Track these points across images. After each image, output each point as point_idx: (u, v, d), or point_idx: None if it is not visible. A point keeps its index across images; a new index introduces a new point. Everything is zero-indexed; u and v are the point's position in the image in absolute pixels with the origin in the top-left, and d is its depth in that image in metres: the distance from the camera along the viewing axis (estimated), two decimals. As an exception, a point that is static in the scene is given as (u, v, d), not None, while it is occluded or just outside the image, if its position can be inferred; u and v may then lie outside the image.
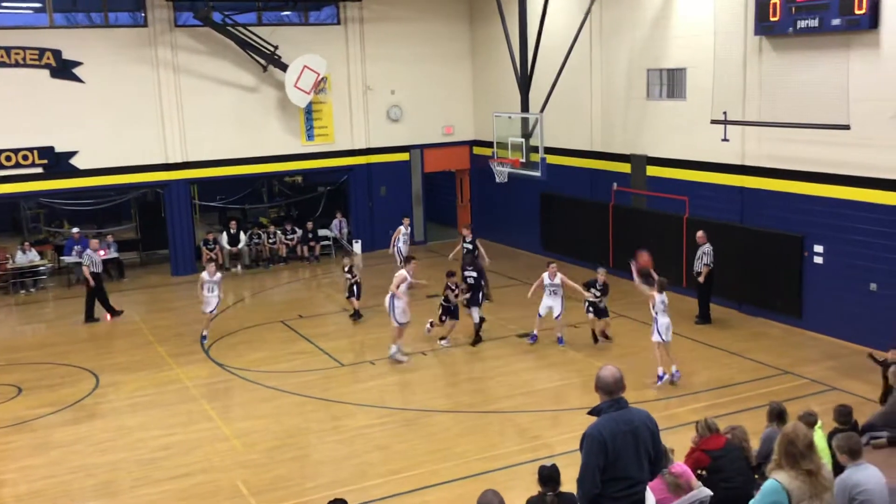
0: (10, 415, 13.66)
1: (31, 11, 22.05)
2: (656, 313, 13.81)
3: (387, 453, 11.86)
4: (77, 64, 21.33)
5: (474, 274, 16.49)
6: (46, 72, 21.09)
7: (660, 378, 13.92)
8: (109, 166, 21.87)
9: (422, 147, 25.54)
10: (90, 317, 19.05)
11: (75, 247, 22.43)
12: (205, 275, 17.00)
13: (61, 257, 23.01)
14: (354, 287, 18.26)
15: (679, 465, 7.79)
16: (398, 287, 15.29)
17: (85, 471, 11.64)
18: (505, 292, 20.09)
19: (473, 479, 10.74)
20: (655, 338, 13.91)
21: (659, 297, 13.84)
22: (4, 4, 21.65)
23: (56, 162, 21.37)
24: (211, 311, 16.98)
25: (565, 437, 11.67)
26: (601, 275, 15.89)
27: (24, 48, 20.80)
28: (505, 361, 15.57)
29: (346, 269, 18.36)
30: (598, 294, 15.72)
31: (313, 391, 14.28)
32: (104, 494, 10.99)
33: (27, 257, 22.13)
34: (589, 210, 21.43)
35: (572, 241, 22.27)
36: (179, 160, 22.58)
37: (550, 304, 15.97)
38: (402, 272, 15.65)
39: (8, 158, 20.88)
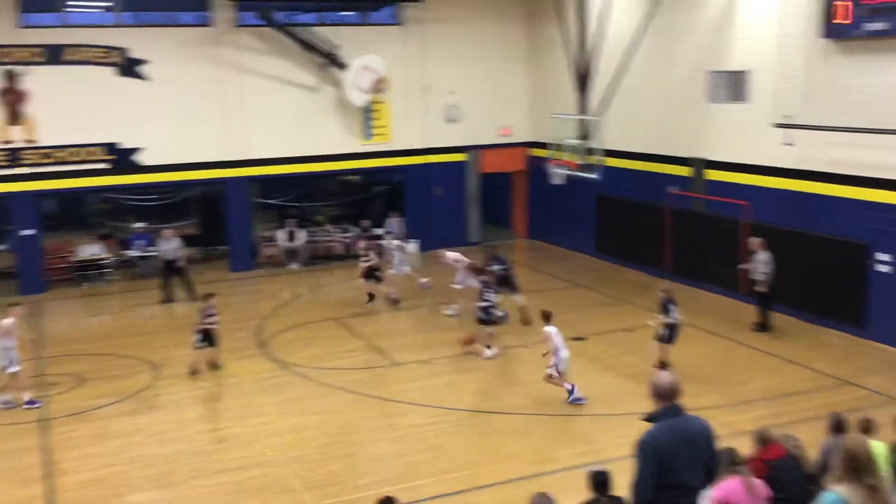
0: (72, 404, 14.02)
1: (99, 10, 22.64)
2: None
3: (437, 453, 11.88)
4: (143, 62, 21.81)
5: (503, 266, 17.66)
6: (113, 70, 21.62)
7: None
8: (172, 163, 22.33)
9: (478, 148, 25.54)
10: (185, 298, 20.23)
11: (138, 241, 22.99)
12: (9, 321, 13.79)
13: (124, 251, 23.57)
14: (207, 333, 15.02)
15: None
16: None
17: (143, 461, 11.90)
18: (559, 295, 19.99)
19: (524, 482, 10.70)
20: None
21: None
22: (74, 3, 22.28)
23: (121, 158, 21.90)
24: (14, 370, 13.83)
25: (618, 442, 11.54)
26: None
27: (91, 46, 21.35)
28: (558, 364, 15.47)
29: (206, 312, 15.05)
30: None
31: (366, 389, 14.38)
32: (162, 485, 11.23)
33: (91, 251, 22.74)
34: (645, 213, 21.19)
35: (627, 245, 22.06)
36: (240, 158, 22.94)
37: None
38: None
39: (75, 154, 21.48)
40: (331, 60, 22.93)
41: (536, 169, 24.64)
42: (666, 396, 6.06)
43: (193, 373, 15.12)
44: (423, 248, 24.95)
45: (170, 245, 20.46)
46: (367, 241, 20.35)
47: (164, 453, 12.13)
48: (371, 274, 19.12)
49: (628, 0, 20.65)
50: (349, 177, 28.31)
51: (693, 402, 12.75)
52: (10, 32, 20.64)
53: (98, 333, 18.45)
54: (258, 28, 22.71)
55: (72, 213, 27.79)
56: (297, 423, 13.02)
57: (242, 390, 14.56)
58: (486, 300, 15.54)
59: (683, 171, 20.04)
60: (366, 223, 24.97)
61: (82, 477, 11.46)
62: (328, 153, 23.89)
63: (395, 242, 20.66)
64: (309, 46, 22.76)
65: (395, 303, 19.25)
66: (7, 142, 20.87)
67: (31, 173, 21.18)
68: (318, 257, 24.27)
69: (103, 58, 21.49)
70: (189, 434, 12.85)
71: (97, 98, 21.43)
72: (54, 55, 21.01)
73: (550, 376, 13.43)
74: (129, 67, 21.72)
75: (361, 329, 17.84)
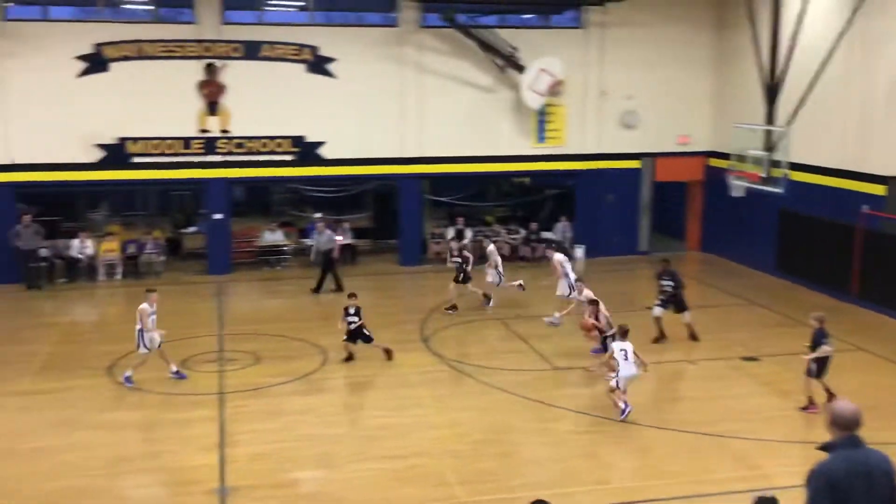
0: (248, 381, 14.84)
1: (293, 9, 23.88)
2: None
3: (594, 462, 11.72)
4: (331, 60, 22.77)
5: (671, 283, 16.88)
6: (304, 66, 22.70)
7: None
8: (352, 157, 23.17)
9: (654, 155, 24.93)
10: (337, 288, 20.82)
11: (314, 230, 24.06)
12: (146, 306, 14.52)
13: (303, 239, 24.71)
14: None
15: None
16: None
17: (309, 440, 12.42)
18: (730, 311, 19.22)
19: (683, 501, 10.37)
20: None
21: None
22: (271, 2, 23.61)
23: (305, 151, 22.97)
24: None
25: (787, 469, 10.96)
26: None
27: (286, 44, 22.51)
28: (726, 384, 14.86)
29: (346, 312, 15.70)
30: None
31: (523, 391, 14.35)
32: (324, 465, 11.68)
33: (273, 237, 24.02)
34: (833, 232, 19.94)
35: (811, 264, 20.85)
36: (415, 155, 23.50)
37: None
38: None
39: (264, 145, 22.74)
40: (509, 62, 23.07)
41: (715, 180, 23.76)
42: (845, 426, 5.67)
43: (347, 359, 15.72)
44: (589, 254, 24.67)
45: (323, 237, 21.28)
46: (460, 243, 20.78)
47: (328, 434, 12.62)
48: (457, 276, 19.31)
49: (827, 7, 19.54)
50: (520, 178, 28.40)
51: (872, 435, 11.85)
52: (213, 28, 22.12)
53: (274, 315, 19.42)
54: (441, 29, 23.17)
55: (258, 200, 29.47)
56: (454, 419, 13.19)
57: (404, 381, 14.91)
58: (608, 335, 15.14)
59: (879, 189, 18.72)
60: (534, 225, 24.98)
61: (252, 450, 12.10)
62: (500, 154, 24.06)
63: (491, 246, 20.50)
64: (489, 48, 23.01)
65: (486, 300, 19.53)
66: (204, 131, 22.39)
67: (225, 161, 22.62)
68: (485, 257, 24.39)
69: (295, 55, 22.61)
70: (352, 418, 13.32)
71: (287, 93, 22.57)
72: (251, 51, 22.33)
73: (612, 389, 13.07)
74: (319, 65, 22.74)
75: (523, 330, 17.84)
